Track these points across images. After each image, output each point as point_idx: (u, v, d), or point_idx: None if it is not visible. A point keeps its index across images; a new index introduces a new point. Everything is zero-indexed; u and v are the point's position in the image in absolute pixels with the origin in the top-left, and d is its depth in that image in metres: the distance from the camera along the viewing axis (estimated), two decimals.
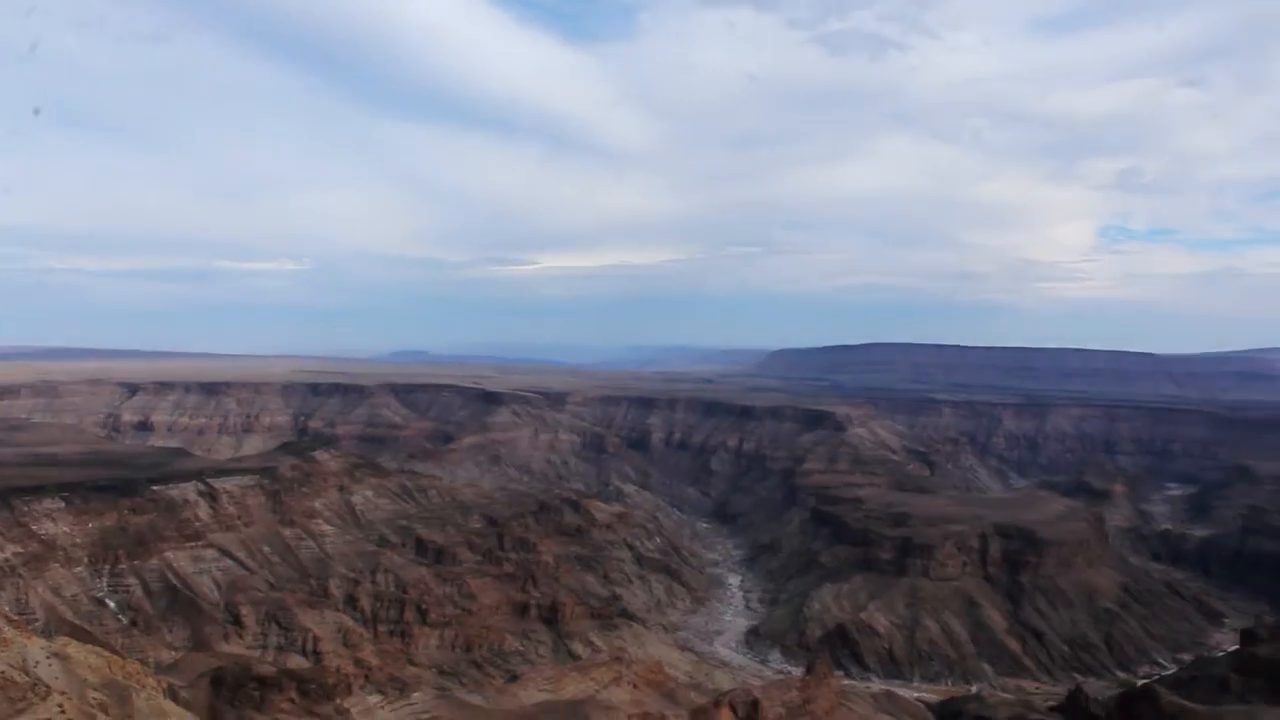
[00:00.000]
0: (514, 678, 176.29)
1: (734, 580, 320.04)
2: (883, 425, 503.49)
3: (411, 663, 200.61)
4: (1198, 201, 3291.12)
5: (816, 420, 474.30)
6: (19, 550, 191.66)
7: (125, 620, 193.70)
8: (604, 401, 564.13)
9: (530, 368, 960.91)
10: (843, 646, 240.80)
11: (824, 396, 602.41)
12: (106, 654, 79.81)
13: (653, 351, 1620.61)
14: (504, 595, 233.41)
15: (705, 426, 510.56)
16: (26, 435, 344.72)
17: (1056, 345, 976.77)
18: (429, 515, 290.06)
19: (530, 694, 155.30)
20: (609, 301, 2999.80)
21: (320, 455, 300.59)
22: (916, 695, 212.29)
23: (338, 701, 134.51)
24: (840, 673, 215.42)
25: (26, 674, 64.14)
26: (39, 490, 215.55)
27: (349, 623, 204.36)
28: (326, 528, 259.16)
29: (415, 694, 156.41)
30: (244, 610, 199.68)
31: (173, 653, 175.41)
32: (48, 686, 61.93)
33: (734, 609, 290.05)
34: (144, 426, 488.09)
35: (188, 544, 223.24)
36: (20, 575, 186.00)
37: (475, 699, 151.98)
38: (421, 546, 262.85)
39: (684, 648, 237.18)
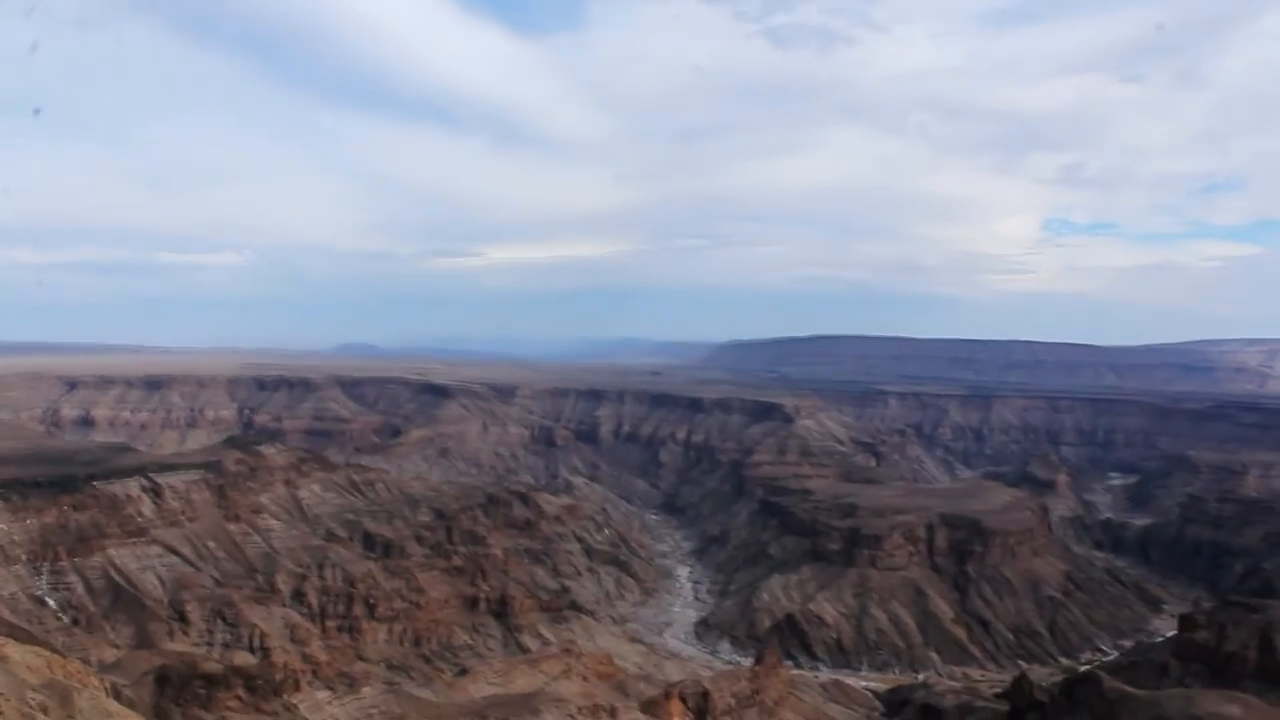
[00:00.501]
0: (464, 671, 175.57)
1: (683, 572, 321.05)
2: (830, 417, 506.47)
3: (360, 658, 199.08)
4: (1138, 196, 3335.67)
5: (765, 412, 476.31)
6: None
7: (66, 619, 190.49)
8: (553, 394, 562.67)
9: (478, 361, 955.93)
10: (791, 637, 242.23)
11: (772, 388, 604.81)
12: (47, 654, 78.36)
13: (602, 344, 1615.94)
14: (453, 589, 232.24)
15: (654, 418, 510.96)
16: None
17: (1002, 337, 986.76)
18: (377, 509, 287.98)
19: (480, 687, 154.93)
20: (557, 294, 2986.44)
21: (266, 450, 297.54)
22: (865, 684, 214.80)
23: (286, 698, 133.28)
24: (789, 663, 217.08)
25: None
26: None
27: (296, 618, 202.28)
28: (273, 523, 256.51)
29: (364, 689, 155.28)
30: (189, 607, 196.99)
31: (116, 651, 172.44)
32: None
33: (683, 600, 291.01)
34: (85, 422, 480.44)
35: (131, 540, 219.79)
36: None
37: (425, 693, 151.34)
38: (369, 541, 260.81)
39: (634, 639, 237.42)
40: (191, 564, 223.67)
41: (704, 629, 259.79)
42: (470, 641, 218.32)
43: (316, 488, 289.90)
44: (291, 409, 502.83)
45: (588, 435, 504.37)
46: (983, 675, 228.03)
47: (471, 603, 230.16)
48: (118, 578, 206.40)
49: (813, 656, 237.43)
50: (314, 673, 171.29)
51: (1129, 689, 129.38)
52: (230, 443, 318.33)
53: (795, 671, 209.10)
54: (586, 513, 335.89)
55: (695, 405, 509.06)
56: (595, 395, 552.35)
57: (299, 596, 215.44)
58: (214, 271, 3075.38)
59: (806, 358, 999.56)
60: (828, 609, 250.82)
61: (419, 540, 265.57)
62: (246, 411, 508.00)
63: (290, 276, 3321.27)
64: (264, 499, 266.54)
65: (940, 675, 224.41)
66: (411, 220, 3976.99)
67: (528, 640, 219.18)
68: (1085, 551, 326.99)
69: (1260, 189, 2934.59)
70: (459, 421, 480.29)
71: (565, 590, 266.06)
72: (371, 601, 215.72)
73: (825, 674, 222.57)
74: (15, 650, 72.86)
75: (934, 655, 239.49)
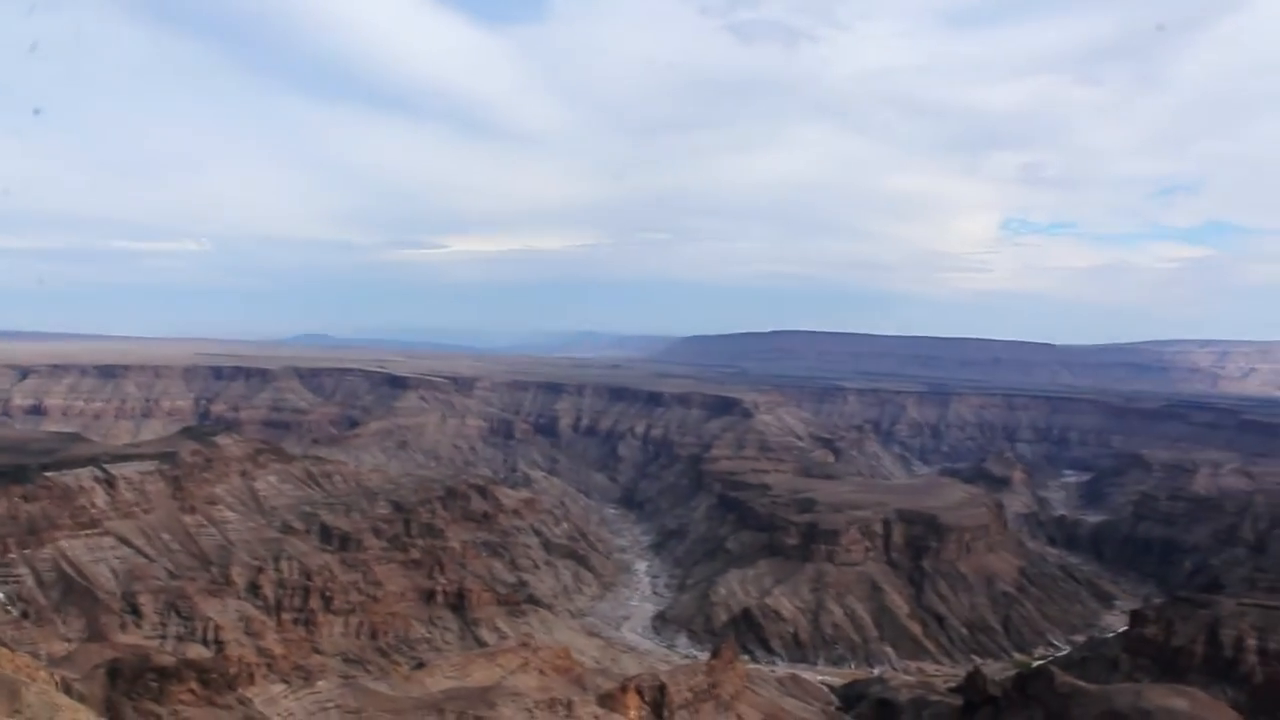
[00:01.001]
0: (420, 665, 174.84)
1: (641, 566, 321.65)
2: (789, 412, 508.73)
3: (316, 651, 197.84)
4: (1096, 196, 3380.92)
5: (724, 407, 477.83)
6: None
7: (15, 612, 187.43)
8: (512, 387, 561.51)
9: (438, 352, 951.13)
10: (748, 631, 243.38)
11: (732, 383, 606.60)
12: None
13: (562, 337, 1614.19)
14: (410, 582, 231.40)
15: (613, 412, 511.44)
16: None
17: (960, 335, 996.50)
18: (334, 501, 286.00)
19: (437, 681, 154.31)
20: (518, 286, 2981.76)
21: (222, 440, 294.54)
22: (821, 678, 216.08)
23: (240, 691, 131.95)
24: (746, 657, 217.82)
25: None
26: None
27: (252, 611, 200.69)
28: (229, 514, 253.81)
29: (320, 682, 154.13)
30: (142, 599, 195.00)
31: (67, 645, 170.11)
32: None
33: (641, 594, 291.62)
34: (37, 411, 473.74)
35: (83, 532, 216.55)
36: None
37: (381, 687, 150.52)
38: (326, 533, 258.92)
39: (591, 633, 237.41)
40: (145, 556, 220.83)
41: (661, 623, 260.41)
42: (427, 635, 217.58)
43: (273, 479, 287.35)
44: (249, 399, 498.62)
45: (547, 428, 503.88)
46: (937, 670, 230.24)
47: (429, 596, 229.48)
48: (69, 570, 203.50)
49: (769, 651, 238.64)
50: (269, 666, 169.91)
51: (1080, 683, 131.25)
52: (186, 433, 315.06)
53: (752, 666, 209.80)
54: (545, 506, 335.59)
55: (655, 399, 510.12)
56: (554, 388, 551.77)
57: (254, 589, 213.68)
58: (172, 259, 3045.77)
59: (766, 353, 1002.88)
60: (784, 603, 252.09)
61: (376, 533, 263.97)
62: (203, 401, 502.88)
63: (248, 265, 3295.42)
64: (220, 490, 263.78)
65: (895, 670, 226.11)
66: (374, 211, 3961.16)
67: (485, 634, 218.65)
68: (1039, 548, 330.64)
69: (1216, 192, 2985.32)
70: (417, 413, 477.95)
71: (523, 584, 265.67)
72: (328, 594, 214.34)
73: (782, 668, 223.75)
74: None
75: (889, 650, 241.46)
